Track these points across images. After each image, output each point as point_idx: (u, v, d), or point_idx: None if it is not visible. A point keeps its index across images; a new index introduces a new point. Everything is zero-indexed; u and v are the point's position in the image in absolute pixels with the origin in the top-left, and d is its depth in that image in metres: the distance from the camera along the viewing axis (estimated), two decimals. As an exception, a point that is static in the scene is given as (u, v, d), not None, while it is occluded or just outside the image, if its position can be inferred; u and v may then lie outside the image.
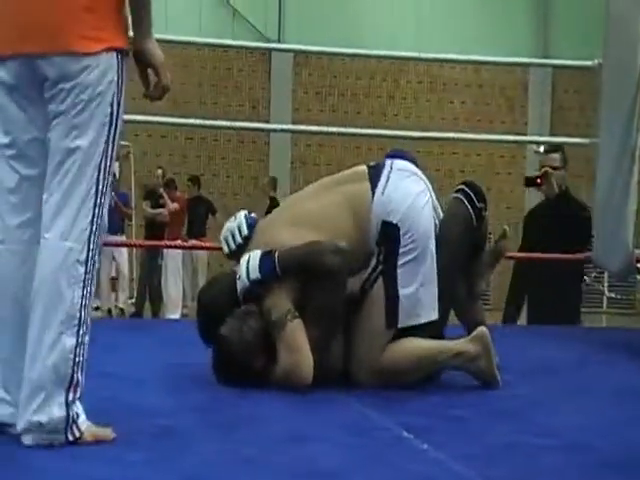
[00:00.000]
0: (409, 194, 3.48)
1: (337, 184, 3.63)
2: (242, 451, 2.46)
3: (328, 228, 3.44)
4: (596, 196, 5.89)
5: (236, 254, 3.57)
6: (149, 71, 2.63)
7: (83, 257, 2.43)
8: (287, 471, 2.27)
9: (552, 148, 6.37)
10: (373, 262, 3.44)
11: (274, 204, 12.53)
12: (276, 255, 3.35)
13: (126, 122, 6.39)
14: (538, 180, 6.03)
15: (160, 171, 12.90)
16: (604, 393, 3.65)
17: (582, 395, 3.59)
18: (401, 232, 3.40)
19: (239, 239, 3.58)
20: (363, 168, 3.61)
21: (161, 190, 12.36)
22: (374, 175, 3.53)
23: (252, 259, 3.38)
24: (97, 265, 2.48)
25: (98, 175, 2.47)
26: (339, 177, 3.70)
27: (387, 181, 3.50)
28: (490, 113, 17.54)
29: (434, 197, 3.60)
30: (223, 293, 3.51)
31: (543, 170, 6.02)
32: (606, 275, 15.64)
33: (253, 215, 3.71)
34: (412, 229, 3.41)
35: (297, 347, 3.30)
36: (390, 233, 3.41)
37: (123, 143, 14.50)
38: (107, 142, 2.49)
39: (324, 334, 3.38)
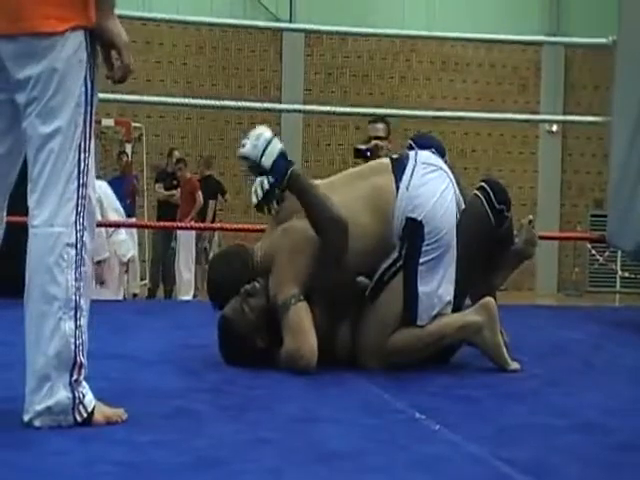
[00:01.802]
0: (435, 191, 3.41)
1: (361, 177, 3.57)
2: (255, 432, 2.45)
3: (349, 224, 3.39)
4: (610, 175, 5.85)
5: (266, 200, 3.51)
6: (112, 52, 2.54)
7: (72, 240, 2.41)
8: (301, 452, 2.27)
9: (376, 118, 6.16)
10: (394, 255, 3.40)
11: (210, 182, 12.62)
12: (291, 168, 3.36)
13: (139, 103, 6.39)
14: (368, 153, 5.65)
15: (177, 153, 12.84)
16: (619, 373, 3.64)
17: (597, 375, 3.57)
18: (425, 230, 3.36)
19: (266, 186, 3.45)
20: (387, 161, 3.57)
21: (178, 170, 12.31)
22: (398, 168, 3.48)
23: (273, 145, 3.37)
24: (87, 246, 2.46)
25: (79, 156, 2.44)
26: (363, 169, 3.68)
27: (412, 175, 3.44)
28: (502, 93, 17.44)
29: (457, 191, 3.54)
30: (233, 270, 3.49)
31: (374, 143, 5.75)
32: (619, 254, 15.60)
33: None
34: (437, 228, 3.36)
35: (300, 330, 3.30)
36: (414, 230, 3.37)
37: (136, 125, 14.53)
38: (85, 122, 2.46)
39: (327, 319, 3.37)
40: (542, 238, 6.20)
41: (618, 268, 16.56)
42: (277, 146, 3.38)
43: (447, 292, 3.42)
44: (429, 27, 15.46)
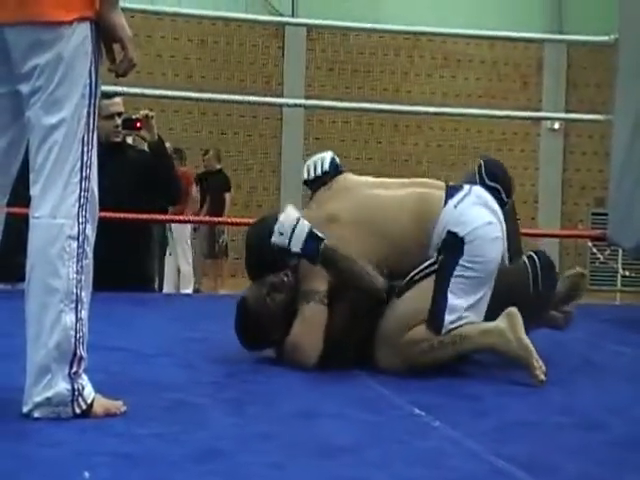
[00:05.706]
0: (483, 218, 3.33)
1: (413, 184, 3.53)
2: (256, 426, 2.45)
3: (387, 227, 3.35)
4: (611, 173, 5.85)
5: (312, 184, 3.64)
6: (115, 45, 2.53)
7: (74, 232, 2.40)
8: (299, 447, 2.26)
9: (114, 93, 5.38)
10: (429, 262, 3.30)
11: (222, 176, 12.60)
12: (322, 246, 3.24)
13: (140, 96, 6.34)
14: (137, 124, 5.23)
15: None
16: (619, 371, 3.63)
17: (597, 373, 3.57)
18: (466, 247, 3.26)
19: (319, 171, 3.61)
20: (442, 182, 3.53)
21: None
22: (451, 189, 3.43)
23: (300, 228, 3.25)
24: (89, 239, 2.45)
25: (82, 148, 2.44)
26: (420, 180, 3.61)
27: (462, 199, 3.37)
28: (504, 90, 17.44)
29: (506, 244, 3.43)
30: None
31: (144, 113, 5.23)
32: (620, 253, 15.61)
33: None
34: (478, 251, 3.26)
35: (311, 324, 3.26)
36: (454, 244, 3.27)
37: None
38: (89, 114, 2.45)
39: (342, 330, 3.33)
40: (542, 236, 6.20)
41: (619, 267, 16.57)
42: (304, 229, 3.27)
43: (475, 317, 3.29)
44: (431, 23, 15.46)
